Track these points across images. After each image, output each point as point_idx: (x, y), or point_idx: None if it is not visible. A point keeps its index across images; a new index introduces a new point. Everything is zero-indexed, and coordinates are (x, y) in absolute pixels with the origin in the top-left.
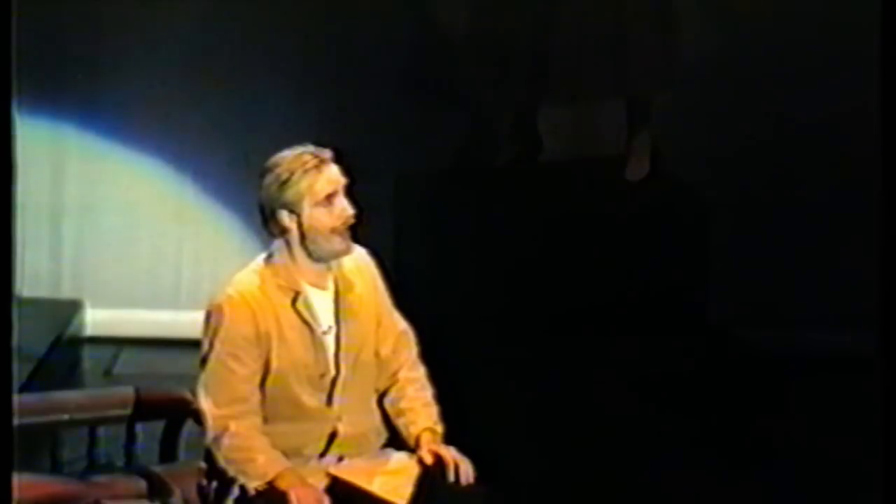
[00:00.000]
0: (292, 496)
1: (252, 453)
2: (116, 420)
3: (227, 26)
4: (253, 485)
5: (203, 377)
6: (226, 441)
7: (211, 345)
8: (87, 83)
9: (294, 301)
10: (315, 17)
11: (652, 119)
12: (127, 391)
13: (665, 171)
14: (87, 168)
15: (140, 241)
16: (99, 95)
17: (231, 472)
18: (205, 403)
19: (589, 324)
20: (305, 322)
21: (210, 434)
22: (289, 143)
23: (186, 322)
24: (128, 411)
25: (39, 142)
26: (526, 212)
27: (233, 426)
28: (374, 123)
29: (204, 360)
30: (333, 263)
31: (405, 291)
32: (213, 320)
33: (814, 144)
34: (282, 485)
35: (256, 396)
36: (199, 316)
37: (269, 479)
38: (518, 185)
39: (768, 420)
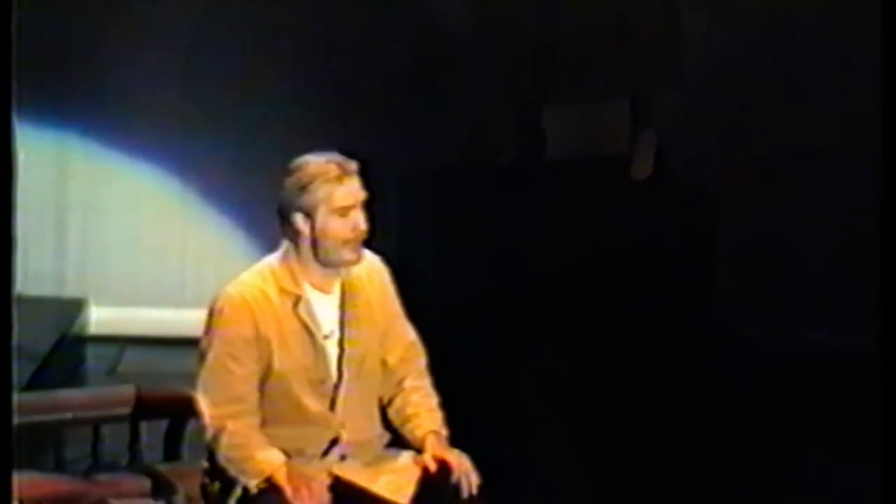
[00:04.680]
0: (290, 492)
1: (250, 451)
2: (120, 418)
3: (230, 27)
4: (253, 483)
5: (201, 376)
6: (224, 440)
7: (210, 344)
8: (90, 83)
9: (295, 305)
10: (318, 17)
11: (656, 118)
12: (131, 390)
13: (669, 170)
14: (92, 167)
15: (144, 240)
16: (103, 95)
17: (231, 471)
18: (203, 402)
19: (592, 323)
20: (306, 327)
21: (209, 433)
22: (292, 143)
23: (191, 321)
24: (131, 410)
25: (43, 141)
26: (530, 211)
27: (230, 425)
28: (378, 122)
29: (202, 359)
30: (342, 268)
31: (408, 290)
32: (212, 320)
33: (817, 144)
34: (280, 480)
35: (254, 396)
36: (204, 315)
37: (266, 475)
38: (522, 183)
39: (768, 418)
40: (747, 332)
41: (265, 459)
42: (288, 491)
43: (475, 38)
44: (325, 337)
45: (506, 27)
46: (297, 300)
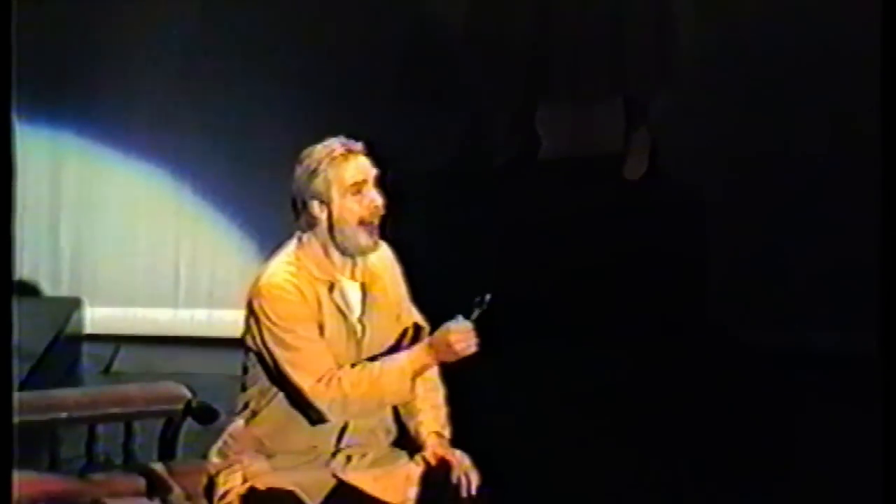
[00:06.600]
0: (446, 340)
1: (379, 367)
2: (115, 418)
3: (225, 28)
4: (407, 383)
5: (291, 361)
6: (346, 386)
7: (286, 330)
8: (85, 83)
9: (330, 291)
10: (312, 17)
11: (650, 117)
12: (126, 389)
13: (663, 170)
14: (86, 167)
15: (139, 239)
16: (98, 95)
17: (375, 400)
18: (306, 383)
19: (588, 323)
20: (341, 312)
21: (325, 400)
22: (286, 143)
23: (185, 320)
24: (126, 409)
25: (39, 141)
26: (524, 211)
27: (340, 372)
28: (372, 123)
29: (283, 346)
30: (360, 256)
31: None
32: (276, 308)
33: (812, 143)
34: (431, 353)
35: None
36: (198, 313)
37: (415, 367)
38: (516, 184)
39: (767, 419)
40: (742, 333)
41: (401, 359)
42: (448, 341)
43: (470, 39)
44: (355, 323)
45: (500, 28)
46: (332, 286)
